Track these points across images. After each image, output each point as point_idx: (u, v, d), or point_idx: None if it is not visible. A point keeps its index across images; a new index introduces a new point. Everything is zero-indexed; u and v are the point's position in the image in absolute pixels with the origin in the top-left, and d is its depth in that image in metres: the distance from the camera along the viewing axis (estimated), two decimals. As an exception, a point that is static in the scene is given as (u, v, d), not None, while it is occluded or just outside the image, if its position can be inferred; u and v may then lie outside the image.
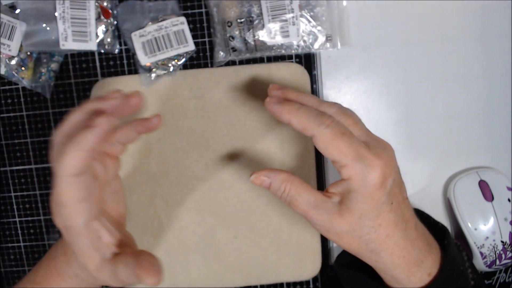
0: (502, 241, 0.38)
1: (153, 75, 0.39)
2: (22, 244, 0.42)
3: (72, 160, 0.26)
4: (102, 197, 0.32)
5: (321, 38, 0.38)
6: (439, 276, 0.29)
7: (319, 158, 0.40)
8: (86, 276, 0.30)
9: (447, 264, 0.30)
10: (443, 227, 0.33)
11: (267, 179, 0.29)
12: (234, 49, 0.39)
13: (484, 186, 0.39)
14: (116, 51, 0.39)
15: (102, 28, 0.38)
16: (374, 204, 0.27)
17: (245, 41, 0.38)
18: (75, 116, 0.29)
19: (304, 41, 0.38)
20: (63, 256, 0.31)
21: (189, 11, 0.39)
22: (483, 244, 0.38)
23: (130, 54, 0.39)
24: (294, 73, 0.39)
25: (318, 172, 0.40)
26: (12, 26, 0.38)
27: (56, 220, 0.29)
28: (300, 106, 0.29)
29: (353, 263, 0.34)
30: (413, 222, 0.29)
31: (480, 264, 0.39)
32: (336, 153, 0.27)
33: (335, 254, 0.41)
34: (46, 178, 0.41)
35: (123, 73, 0.40)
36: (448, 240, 0.31)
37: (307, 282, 0.42)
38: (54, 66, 0.39)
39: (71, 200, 0.27)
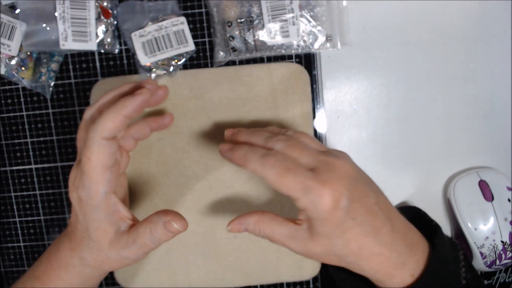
0: (502, 241, 0.38)
1: (153, 75, 0.39)
2: (22, 244, 0.42)
3: (109, 123, 0.28)
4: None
5: (321, 38, 0.38)
6: (422, 276, 0.29)
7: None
8: (93, 258, 0.31)
9: (434, 264, 0.30)
10: (435, 225, 0.33)
11: (242, 226, 0.31)
12: (234, 49, 0.39)
13: (484, 186, 0.39)
14: (116, 51, 0.39)
15: (102, 28, 0.38)
16: (336, 224, 0.28)
17: (245, 41, 0.38)
18: (109, 95, 0.32)
19: (304, 41, 0.38)
20: (67, 243, 0.32)
21: (189, 11, 0.39)
22: (483, 244, 0.38)
23: (130, 54, 0.39)
24: (294, 73, 0.39)
25: (318, 172, 0.40)
26: (12, 26, 0.38)
27: (73, 194, 0.30)
28: (247, 150, 0.30)
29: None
30: (388, 227, 0.29)
31: (480, 264, 0.39)
32: (285, 190, 0.28)
33: (335, 254, 0.41)
34: (46, 178, 0.41)
35: (123, 73, 0.40)
36: (438, 238, 0.31)
37: (307, 282, 0.42)
38: (54, 66, 0.39)
39: (98, 165, 0.28)
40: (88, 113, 0.31)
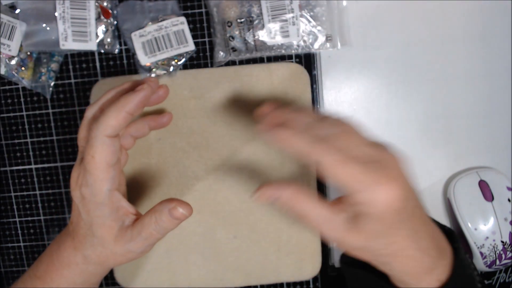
0: (502, 241, 0.38)
1: (153, 75, 0.39)
2: (22, 244, 0.42)
3: (112, 120, 0.28)
4: None
5: (321, 38, 0.38)
6: (448, 281, 0.29)
7: (319, 158, 0.40)
8: (96, 255, 0.31)
9: (458, 269, 0.30)
10: (450, 231, 0.33)
11: (273, 196, 0.28)
12: (234, 49, 0.39)
13: (484, 186, 0.39)
14: (116, 51, 0.39)
15: (102, 28, 0.38)
16: (386, 225, 0.27)
17: (245, 41, 0.38)
18: (110, 94, 0.32)
19: (304, 41, 0.38)
20: (70, 242, 0.32)
21: (189, 11, 0.39)
22: (483, 244, 0.38)
23: (130, 54, 0.39)
24: (294, 73, 0.39)
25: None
26: (12, 26, 0.38)
27: (76, 193, 0.30)
28: (293, 133, 0.28)
29: (357, 262, 0.34)
30: (425, 230, 0.29)
31: (480, 264, 0.39)
32: (340, 180, 0.26)
33: (335, 254, 0.41)
34: (46, 178, 0.41)
35: (123, 73, 0.40)
36: (458, 243, 0.31)
37: (307, 282, 0.42)
38: (54, 66, 0.39)
39: (102, 163, 0.28)
40: (90, 111, 0.32)
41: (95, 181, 0.29)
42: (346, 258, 0.36)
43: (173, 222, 0.29)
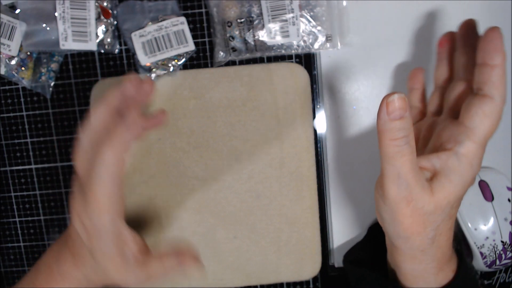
0: (502, 241, 0.38)
1: (153, 75, 0.39)
2: (22, 244, 0.42)
3: (112, 157, 0.27)
4: None
5: (321, 38, 0.38)
6: (455, 278, 0.30)
7: (319, 158, 0.40)
8: (98, 279, 0.30)
9: (462, 272, 0.30)
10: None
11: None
12: (234, 49, 0.39)
13: (484, 186, 0.39)
14: (116, 51, 0.39)
15: (102, 28, 0.38)
16: (462, 193, 0.26)
17: (245, 41, 0.38)
18: (100, 113, 0.30)
19: (304, 41, 0.38)
20: (69, 257, 0.31)
21: (189, 11, 0.39)
22: (483, 244, 0.38)
23: (130, 54, 0.39)
24: (294, 73, 0.39)
25: (318, 172, 0.40)
26: (12, 26, 0.38)
27: (75, 218, 0.29)
28: None
29: (362, 261, 0.33)
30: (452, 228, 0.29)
31: (480, 264, 0.39)
32: (484, 126, 0.26)
33: (335, 254, 0.41)
34: (46, 178, 0.41)
35: (123, 73, 0.40)
36: (461, 245, 0.31)
37: (307, 282, 0.42)
38: (54, 66, 0.39)
39: (105, 198, 0.28)
40: (86, 138, 0.30)
41: (97, 214, 0.28)
42: (350, 257, 0.36)
43: (182, 275, 0.30)
